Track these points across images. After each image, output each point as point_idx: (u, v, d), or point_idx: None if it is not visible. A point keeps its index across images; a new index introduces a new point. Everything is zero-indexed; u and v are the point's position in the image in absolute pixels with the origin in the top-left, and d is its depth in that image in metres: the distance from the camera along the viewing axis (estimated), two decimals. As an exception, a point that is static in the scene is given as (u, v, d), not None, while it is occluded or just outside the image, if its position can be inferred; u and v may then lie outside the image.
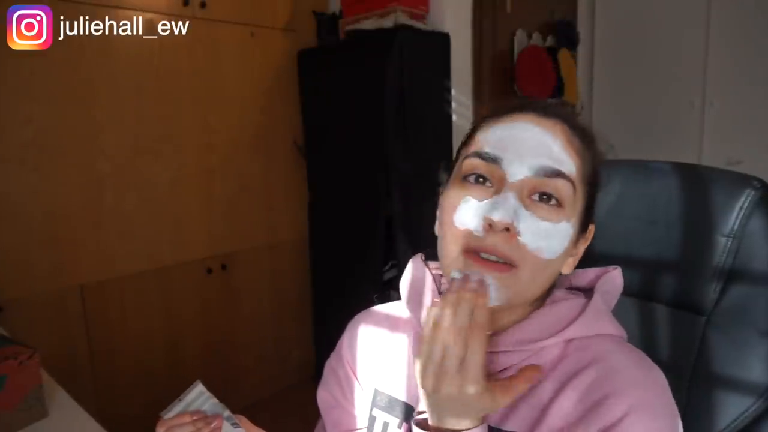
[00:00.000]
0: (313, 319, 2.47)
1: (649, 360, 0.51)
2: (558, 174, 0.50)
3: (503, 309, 0.52)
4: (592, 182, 0.54)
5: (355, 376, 0.68)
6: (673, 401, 0.48)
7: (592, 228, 0.57)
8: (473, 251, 0.49)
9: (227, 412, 0.60)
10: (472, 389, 0.45)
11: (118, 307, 1.91)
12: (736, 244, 0.63)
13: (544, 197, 0.50)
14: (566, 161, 0.51)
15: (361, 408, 0.66)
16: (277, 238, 2.37)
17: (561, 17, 3.03)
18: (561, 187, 0.50)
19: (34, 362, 0.93)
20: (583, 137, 0.54)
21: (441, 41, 2.06)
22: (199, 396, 0.61)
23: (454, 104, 2.11)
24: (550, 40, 2.97)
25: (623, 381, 0.47)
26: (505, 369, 0.53)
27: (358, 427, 0.67)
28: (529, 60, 2.75)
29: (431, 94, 2.04)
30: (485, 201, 0.49)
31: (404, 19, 1.95)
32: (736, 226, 0.63)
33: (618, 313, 0.72)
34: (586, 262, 0.73)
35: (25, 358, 0.91)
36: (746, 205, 0.62)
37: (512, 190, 0.49)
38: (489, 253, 0.49)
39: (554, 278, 0.54)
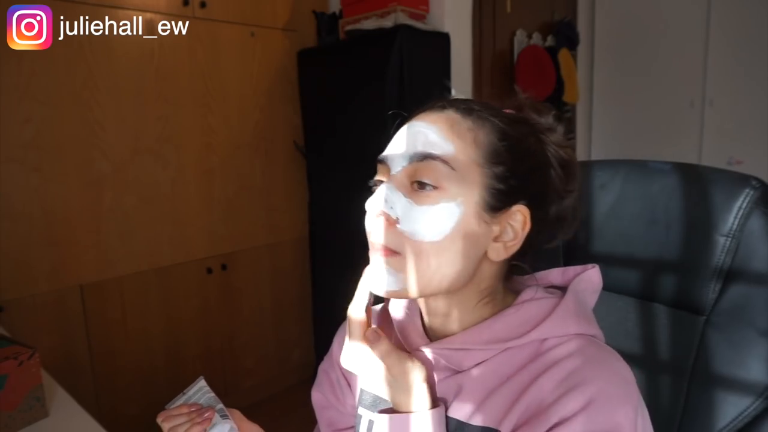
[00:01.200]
0: (313, 320, 2.47)
1: (617, 355, 0.51)
2: (427, 156, 0.51)
3: (452, 306, 0.56)
4: (502, 160, 0.53)
5: (345, 378, 0.69)
6: (637, 393, 0.49)
7: (520, 209, 0.54)
8: (370, 242, 0.55)
9: (220, 405, 0.63)
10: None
11: (118, 307, 1.91)
12: (735, 244, 0.63)
13: (421, 182, 0.51)
14: (441, 144, 0.52)
15: (352, 407, 0.68)
16: (277, 238, 2.38)
17: (561, 17, 3.03)
18: (433, 168, 0.51)
19: (34, 362, 0.93)
20: (480, 119, 0.54)
21: (441, 41, 2.06)
22: (199, 390, 0.64)
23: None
24: (550, 40, 2.97)
25: (586, 375, 0.48)
26: (477, 364, 0.54)
27: (351, 425, 0.69)
28: (529, 60, 2.75)
29: (431, 94, 2.04)
30: None
31: (404, 19, 1.95)
32: (735, 226, 0.63)
33: (617, 312, 0.73)
34: (585, 261, 0.73)
35: (25, 358, 0.91)
36: (745, 204, 0.62)
37: (392, 181, 0.53)
38: (374, 239, 0.54)
39: (476, 264, 0.54)
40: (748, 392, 0.60)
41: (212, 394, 0.64)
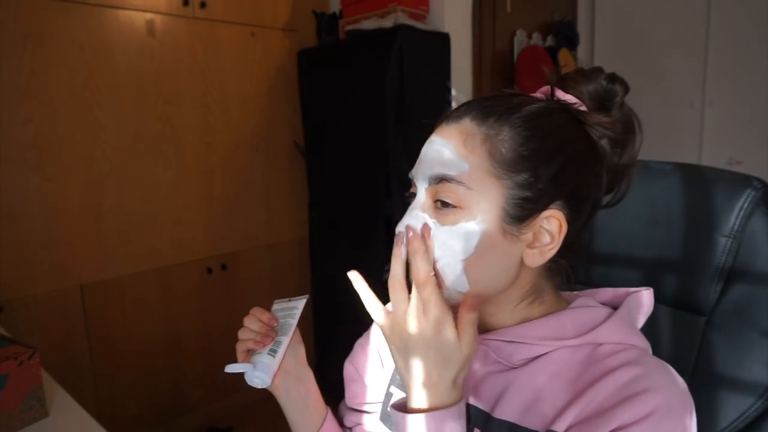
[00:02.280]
0: (313, 320, 2.47)
1: (671, 367, 0.51)
2: (444, 179, 0.51)
3: (490, 305, 0.56)
4: (524, 167, 0.51)
5: (380, 355, 0.71)
6: (693, 405, 0.49)
7: (552, 213, 0.52)
8: None
9: (284, 338, 0.64)
10: (438, 310, 0.49)
11: (118, 307, 1.91)
12: (737, 245, 0.62)
13: (444, 201, 0.52)
14: (457, 163, 0.51)
15: (379, 384, 0.70)
16: (277, 238, 2.38)
17: (561, 17, 3.03)
18: (451, 189, 0.51)
19: (34, 362, 0.93)
20: (498, 123, 0.51)
21: (441, 41, 2.06)
22: (291, 309, 0.67)
23: (454, 104, 2.11)
24: (550, 40, 2.97)
25: (649, 383, 0.47)
26: (528, 361, 0.53)
27: (374, 401, 0.71)
28: (529, 60, 2.75)
29: (431, 94, 2.04)
30: None
31: (404, 19, 1.95)
32: (736, 226, 0.63)
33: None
34: (586, 261, 0.73)
35: (26, 358, 0.91)
36: (746, 205, 0.62)
37: (419, 203, 0.54)
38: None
39: (514, 270, 0.53)
40: (749, 393, 0.60)
41: (294, 321, 0.66)
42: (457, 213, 0.51)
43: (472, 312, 0.50)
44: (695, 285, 0.66)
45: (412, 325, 0.50)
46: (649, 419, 0.45)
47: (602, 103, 0.57)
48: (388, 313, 0.52)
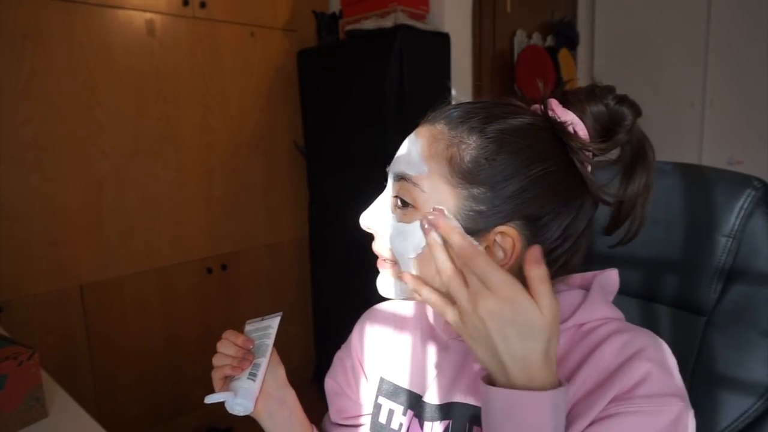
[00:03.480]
0: (313, 320, 2.47)
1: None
2: (403, 177, 0.53)
3: None
4: (483, 180, 0.49)
5: (362, 367, 0.70)
6: (676, 365, 0.51)
7: (505, 230, 0.49)
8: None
9: (262, 360, 0.61)
10: (499, 280, 0.43)
11: (118, 307, 1.91)
12: (737, 244, 0.62)
13: (403, 200, 0.53)
14: (418, 164, 0.52)
15: (365, 397, 0.69)
16: (277, 238, 2.37)
17: (561, 17, 3.03)
18: (408, 188, 0.52)
19: (34, 362, 0.93)
20: (467, 132, 0.50)
21: (441, 41, 2.06)
22: (266, 329, 0.65)
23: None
24: (550, 40, 2.97)
25: (642, 343, 0.49)
26: None
27: (361, 414, 0.70)
28: (529, 60, 2.75)
29: (431, 94, 2.04)
30: None
31: (404, 19, 1.95)
32: (736, 226, 0.63)
33: (618, 313, 0.72)
34: (586, 261, 0.73)
35: (25, 358, 0.91)
36: (746, 205, 0.62)
37: (385, 196, 0.56)
38: (373, 248, 0.57)
39: None
40: (749, 393, 0.60)
41: (270, 341, 0.63)
42: (413, 213, 0.52)
43: (538, 267, 0.43)
44: (695, 285, 0.66)
45: (480, 307, 0.43)
46: (653, 374, 0.46)
47: (607, 125, 0.54)
48: (454, 307, 0.46)
